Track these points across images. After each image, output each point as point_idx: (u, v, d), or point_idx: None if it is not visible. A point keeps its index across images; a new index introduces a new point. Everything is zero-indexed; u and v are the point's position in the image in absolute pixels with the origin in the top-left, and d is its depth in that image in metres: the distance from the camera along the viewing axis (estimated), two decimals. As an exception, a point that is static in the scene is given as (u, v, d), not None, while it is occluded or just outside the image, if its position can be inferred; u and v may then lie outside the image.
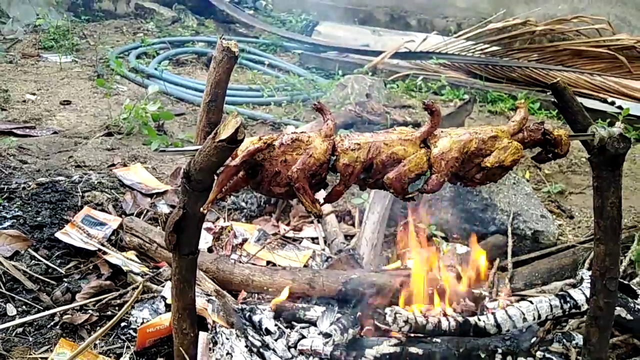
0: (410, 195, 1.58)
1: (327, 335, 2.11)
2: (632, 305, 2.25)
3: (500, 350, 2.05)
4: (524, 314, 2.17)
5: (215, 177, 1.54)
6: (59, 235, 2.59)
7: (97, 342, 2.12)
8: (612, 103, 5.31)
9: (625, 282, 2.38)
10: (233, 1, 8.46)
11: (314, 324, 2.27)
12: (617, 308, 2.19)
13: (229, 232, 2.95)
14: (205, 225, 2.96)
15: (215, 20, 8.00)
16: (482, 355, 2.04)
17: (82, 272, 2.50)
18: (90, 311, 2.26)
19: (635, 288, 2.33)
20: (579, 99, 5.83)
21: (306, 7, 8.74)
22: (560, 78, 5.54)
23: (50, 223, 2.70)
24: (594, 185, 1.78)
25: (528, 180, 3.67)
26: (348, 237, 3.05)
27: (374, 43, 7.16)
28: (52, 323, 2.20)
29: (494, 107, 5.28)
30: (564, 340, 2.26)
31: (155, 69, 5.50)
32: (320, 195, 1.66)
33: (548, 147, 1.64)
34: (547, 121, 4.73)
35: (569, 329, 2.34)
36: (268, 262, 2.79)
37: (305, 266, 2.79)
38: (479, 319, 2.16)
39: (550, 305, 2.23)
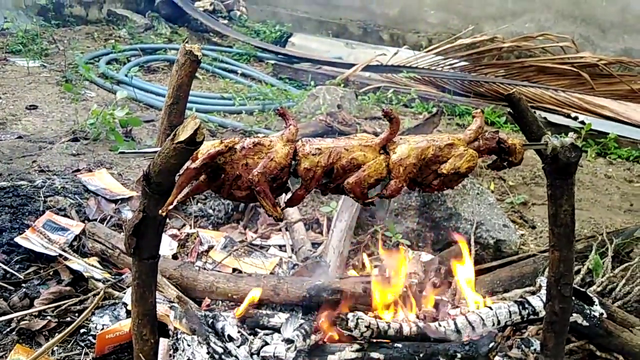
0: (369, 200, 1.61)
1: (289, 341, 2.12)
2: (588, 311, 2.31)
3: (459, 355, 2.08)
4: (483, 320, 2.22)
5: (176, 180, 1.54)
6: (18, 240, 2.54)
7: (55, 348, 2.08)
8: (575, 118, 5.49)
9: (582, 289, 2.45)
10: (207, 10, 8.46)
11: (278, 330, 2.27)
12: (574, 314, 2.25)
13: (195, 239, 2.93)
14: (170, 232, 2.94)
15: (188, 28, 7.99)
16: (442, 360, 2.07)
17: (42, 278, 2.45)
18: (48, 317, 2.22)
19: (591, 295, 2.39)
20: (544, 114, 5.94)
21: (280, 19, 8.81)
22: (525, 92, 5.61)
23: (11, 228, 2.65)
24: (548, 194, 1.84)
25: (492, 192, 3.76)
26: (315, 244, 3.06)
27: (347, 55, 7.25)
28: (8, 329, 2.15)
29: (461, 121, 5.40)
30: (523, 346, 2.31)
31: (126, 75, 5.45)
32: (283, 199, 1.68)
33: (503, 155, 1.69)
34: (513, 135, 4.85)
35: (527, 335, 2.40)
36: (234, 270, 2.78)
37: (271, 273, 2.79)
38: (440, 325, 2.19)
39: (509, 312, 2.27)
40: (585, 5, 7.06)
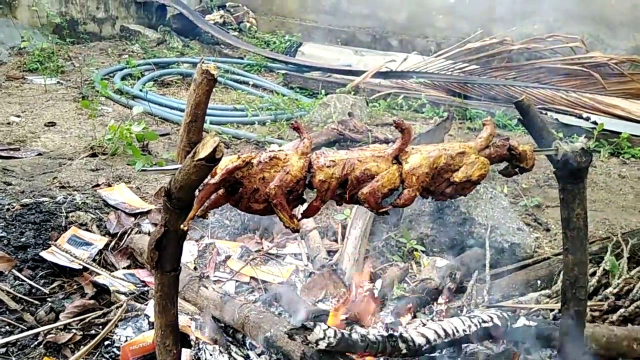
0: (384, 210, 1.65)
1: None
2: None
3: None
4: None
5: (196, 195, 1.59)
6: (44, 254, 2.61)
7: (81, 360, 2.14)
8: (587, 119, 5.47)
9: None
10: (218, 23, 8.59)
11: (297, 338, 2.31)
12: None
13: (213, 249, 2.99)
14: (189, 243, 3.00)
15: (200, 41, 8.12)
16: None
17: (66, 292, 2.52)
18: (74, 330, 2.28)
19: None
20: (556, 115, 5.91)
21: (289, 28, 8.91)
22: (536, 94, 5.58)
23: (34, 243, 2.72)
24: (560, 198, 1.86)
25: (506, 195, 3.76)
26: (331, 252, 3.10)
27: (356, 63, 7.31)
28: (35, 343, 2.21)
29: (472, 124, 5.41)
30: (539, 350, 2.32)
31: (140, 90, 5.56)
32: (299, 211, 1.72)
33: (514, 162, 1.72)
34: (525, 137, 4.85)
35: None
36: (251, 278, 2.83)
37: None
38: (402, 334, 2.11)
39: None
40: (594, 5, 7.05)
